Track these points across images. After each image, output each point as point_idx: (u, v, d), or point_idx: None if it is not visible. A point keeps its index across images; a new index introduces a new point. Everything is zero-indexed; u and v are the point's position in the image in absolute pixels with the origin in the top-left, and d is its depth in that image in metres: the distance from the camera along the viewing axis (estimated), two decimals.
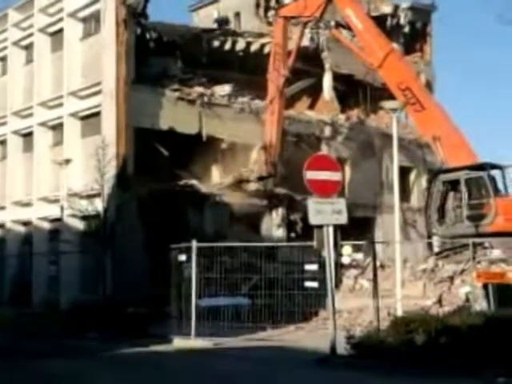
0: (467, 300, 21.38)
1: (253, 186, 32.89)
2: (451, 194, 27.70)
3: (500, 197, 26.19)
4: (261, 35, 36.58)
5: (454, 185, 27.54)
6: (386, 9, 39.88)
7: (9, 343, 21.66)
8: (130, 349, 19.66)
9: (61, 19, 33.59)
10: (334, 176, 16.71)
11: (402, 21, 40.49)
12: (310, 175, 16.25)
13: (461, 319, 14.92)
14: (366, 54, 30.10)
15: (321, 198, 16.29)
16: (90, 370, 16.43)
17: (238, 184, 32.77)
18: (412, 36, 41.31)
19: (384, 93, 31.26)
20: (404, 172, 35.13)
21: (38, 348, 20.46)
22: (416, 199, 38.36)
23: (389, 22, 39.61)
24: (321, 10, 30.81)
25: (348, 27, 32.49)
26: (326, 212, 16.10)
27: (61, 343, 21.23)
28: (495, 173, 26.70)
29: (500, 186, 26.67)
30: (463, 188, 26.93)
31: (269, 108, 32.73)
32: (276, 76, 32.39)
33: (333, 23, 34.34)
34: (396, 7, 40.32)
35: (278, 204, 33.34)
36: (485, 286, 19.72)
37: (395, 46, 34.08)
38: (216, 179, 32.86)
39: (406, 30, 40.63)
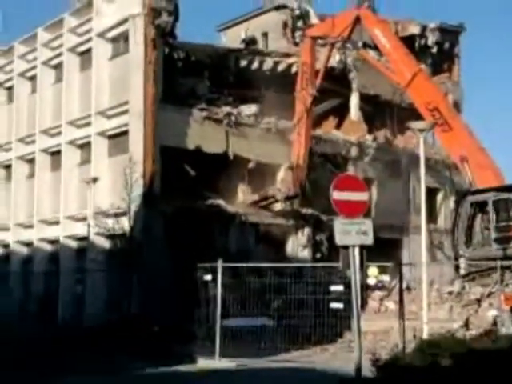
0: (494, 323, 21.16)
1: (279, 206, 32.85)
2: (479, 216, 27.48)
3: None
4: (288, 55, 36.63)
5: (481, 206, 27.31)
6: (414, 29, 39.81)
7: (33, 359, 21.72)
8: (154, 368, 19.62)
9: (90, 39, 33.86)
10: (361, 196, 16.55)
11: (430, 41, 40.39)
12: (337, 195, 16.11)
13: (488, 343, 14.73)
14: (393, 74, 30.05)
15: (347, 219, 16.19)
16: None
17: (264, 203, 32.74)
18: (440, 56, 41.18)
19: (411, 113, 31.17)
20: (431, 193, 34.95)
21: (61, 365, 20.47)
22: (443, 220, 38.11)
23: (417, 42, 39.53)
24: (348, 30, 30.85)
25: (375, 47, 32.51)
26: (352, 233, 15.97)
27: (84, 361, 21.24)
28: None
29: None
30: (491, 210, 26.70)
31: (296, 128, 32.74)
32: (304, 95, 32.43)
33: (360, 44, 34.37)
34: (424, 28, 40.24)
35: (304, 224, 33.27)
36: None
37: (423, 66, 33.96)
38: (242, 199, 32.85)
39: (434, 50, 40.51)
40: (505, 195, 26.54)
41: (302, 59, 33.28)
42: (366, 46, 34.96)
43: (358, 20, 30.46)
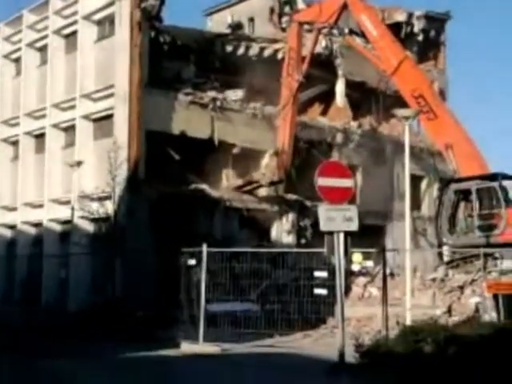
0: (477, 310, 21.31)
1: (263, 192, 32.88)
2: (462, 204, 27.61)
3: (511, 207, 26.10)
4: (274, 41, 36.56)
5: (465, 194, 27.45)
6: (400, 17, 39.77)
7: (17, 343, 21.71)
8: (137, 352, 19.63)
9: (75, 21, 33.66)
10: (346, 183, 16.64)
11: (416, 29, 40.40)
12: (322, 182, 16.17)
13: (470, 329, 14.84)
14: (379, 61, 30.04)
15: (332, 205, 16.23)
16: (91, 373, 16.49)
17: (248, 188, 32.75)
18: (425, 44, 41.20)
19: (396, 101, 31.21)
20: (415, 180, 35.03)
21: (44, 349, 20.48)
22: (427, 208, 38.26)
23: (403, 30, 39.49)
24: (335, 15, 30.74)
25: (362, 34, 32.46)
26: (336, 219, 16.03)
27: (68, 345, 21.24)
28: (507, 183, 26.61)
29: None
30: (474, 198, 26.84)
31: (282, 113, 32.72)
32: (290, 81, 32.39)
33: (346, 30, 34.30)
34: (410, 15, 40.20)
35: (289, 210, 33.31)
36: (495, 297, 19.65)
37: (409, 53, 33.96)
38: (227, 184, 32.83)
39: (420, 38, 40.53)
40: (488, 183, 26.67)
41: (288, 44, 33.22)
42: (352, 32, 34.86)
43: (345, 6, 30.39)
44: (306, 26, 33.17)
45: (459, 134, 28.03)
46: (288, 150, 32.47)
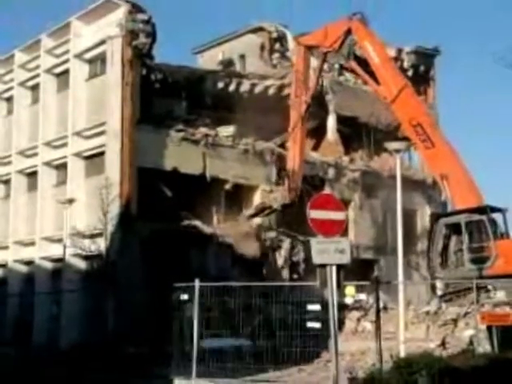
0: (471, 343, 21.19)
1: (257, 221, 32.82)
2: (453, 237, 27.56)
3: (501, 239, 26.11)
4: (265, 77, 36.81)
5: (455, 228, 27.40)
6: (390, 52, 39.95)
7: None
8: None
9: (67, 60, 33.87)
10: (338, 215, 16.59)
11: (406, 64, 40.70)
12: (314, 214, 16.12)
13: (464, 361, 14.80)
14: (379, 88, 30.01)
15: (324, 238, 16.18)
16: None
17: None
18: (415, 79, 41.41)
19: (388, 135, 31.34)
20: (408, 214, 35.01)
21: None
22: (420, 242, 38.19)
23: None
24: (340, 41, 30.69)
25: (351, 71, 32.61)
26: (329, 251, 15.95)
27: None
28: (496, 216, 26.65)
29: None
30: (464, 231, 26.82)
31: (291, 135, 32.54)
32: (298, 103, 32.29)
33: (337, 66, 34.51)
34: (399, 51, 40.55)
35: (281, 245, 33.25)
36: (488, 329, 19.58)
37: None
38: (219, 220, 32.79)
39: (410, 73, 40.79)
40: (477, 217, 26.68)
41: (295, 67, 33.18)
42: (343, 68, 35.11)
43: (349, 31, 30.45)
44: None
45: (456, 164, 27.97)
46: (299, 171, 32.28)
